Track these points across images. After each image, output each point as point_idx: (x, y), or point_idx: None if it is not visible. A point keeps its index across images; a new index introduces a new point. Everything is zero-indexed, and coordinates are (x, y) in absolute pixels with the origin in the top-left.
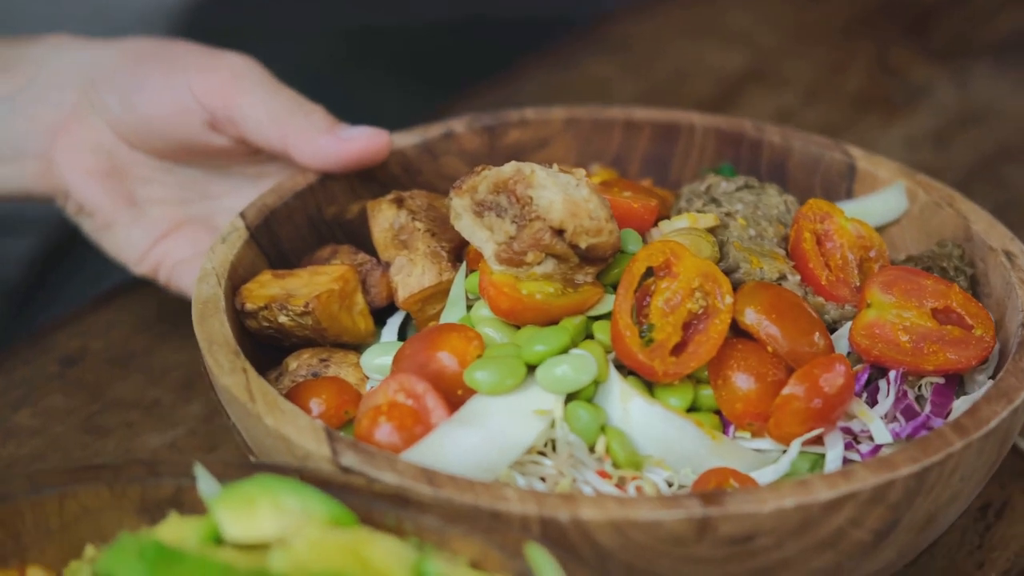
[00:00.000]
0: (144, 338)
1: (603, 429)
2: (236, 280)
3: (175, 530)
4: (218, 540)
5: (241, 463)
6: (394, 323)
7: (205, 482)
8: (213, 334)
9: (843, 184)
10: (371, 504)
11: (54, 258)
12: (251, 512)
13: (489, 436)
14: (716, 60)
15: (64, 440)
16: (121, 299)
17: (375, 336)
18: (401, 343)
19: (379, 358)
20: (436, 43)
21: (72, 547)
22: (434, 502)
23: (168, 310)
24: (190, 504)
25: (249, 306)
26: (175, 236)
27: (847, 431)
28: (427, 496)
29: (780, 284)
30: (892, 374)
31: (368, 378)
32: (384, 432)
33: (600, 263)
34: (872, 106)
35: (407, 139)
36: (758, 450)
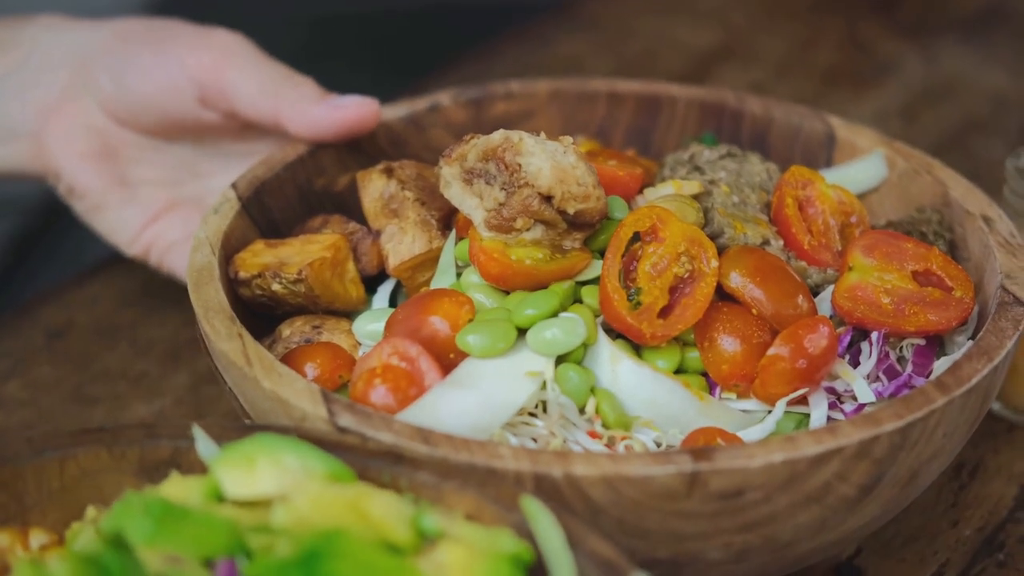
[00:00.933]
0: (129, 311)
1: (593, 391)
2: (229, 250)
3: (177, 489)
4: (219, 498)
5: (238, 425)
6: (385, 290)
7: (203, 443)
8: (209, 301)
9: (823, 153)
10: (367, 462)
11: (34, 237)
12: (251, 470)
13: (482, 397)
14: (687, 37)
15: (53, 410)
16: (105, 273)
17: (366, 303)
18: (392, 309)
19: (371, 324)
20: (405, 30)
21: (73, 509)
22: (429, 460)
23: (152, 284)
24: (188, 465)
25: (243, 274)
26: (167, 217)
27: (831, 391)
28: (423, 454)
29: (763, 249)
30: (874, 335)
31: (360, 344)
32: (379, 394)
33: (587, 229)
34: (842, 81)
35: (394, 112)
36: (744, 411)
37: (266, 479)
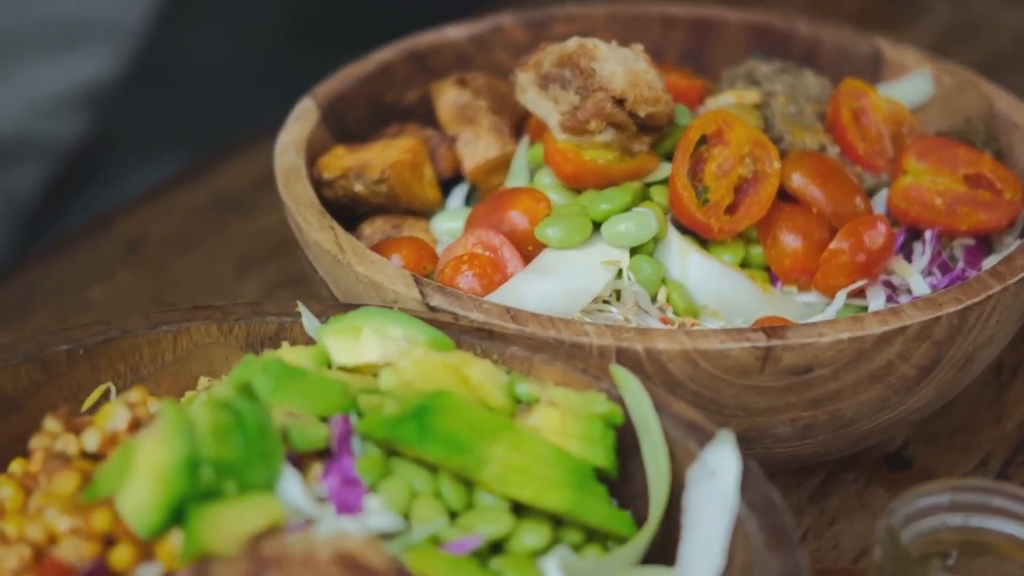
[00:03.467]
0: (198, 223)
1: (663, 281)
2: (311, 155)
3: (290, 356)
4: (327, 366)
5: (338, 303)
6: (459, 192)
7: (308, 319)
8: (300, 196)
9: (870, 73)
10: (460, 338)
11: (64, 179)
12: (356, 340)
13: (561, 284)
14: None
15: (135, 313)
16: (177, 187)
17: (442, 204)
18: (467, 209)
19: (448, 223)
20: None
21: (186, 379)
22: (518, 337)
23: (218, 199)
24: (292, 340)
25: (327, 175)
26: None
27: (888, 285)
28: (511, 331)
29: (822, 153)
30: (928, 234)
31: (438, 241)
32: (466, 279)
33: (656, 132)
34: (872, 22)
35: (458, 32)
36: (805, 303)
37: (371, 348)
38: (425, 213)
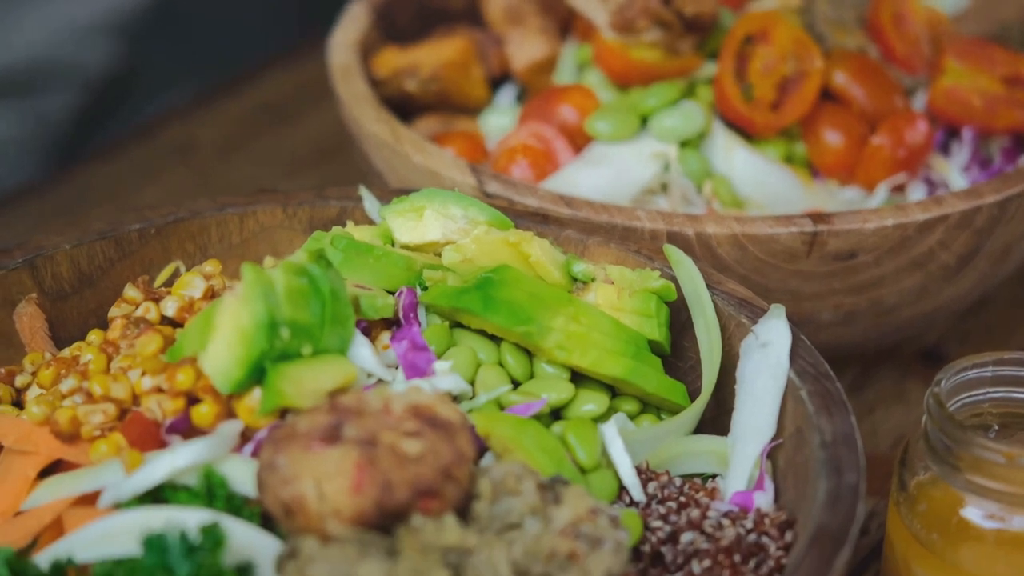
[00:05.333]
0: (246, 129)
1: (709, 175)
2: (362, 56)
3: (355, 233)
4: (391, 245)
5: (398, 188)
6: (508, 91)
7: (369, 202)
8: (356, 92)
9: None
10: (516, 221)
11: (94, 107)
12: (419, 219)
13: (611, 175)
14: None
15: None
16: (220, 97)
17: (490, 103)
18: (516, 107)
19: (497, 120)
20: None
21: (252, 260)
22: (572, 221)
23: (264, 106)
24: (353, 224)
25: (378, 75)
26: None
27: (927, 182)
28: (566, 216)
29: (863, 54)
30: (966, 132)
31: (487, 137)
32: (520, 168)
33: (701, 32)
34: None
35: None
36: (846, 199)
37: (433, 227)
38: (474, 111)
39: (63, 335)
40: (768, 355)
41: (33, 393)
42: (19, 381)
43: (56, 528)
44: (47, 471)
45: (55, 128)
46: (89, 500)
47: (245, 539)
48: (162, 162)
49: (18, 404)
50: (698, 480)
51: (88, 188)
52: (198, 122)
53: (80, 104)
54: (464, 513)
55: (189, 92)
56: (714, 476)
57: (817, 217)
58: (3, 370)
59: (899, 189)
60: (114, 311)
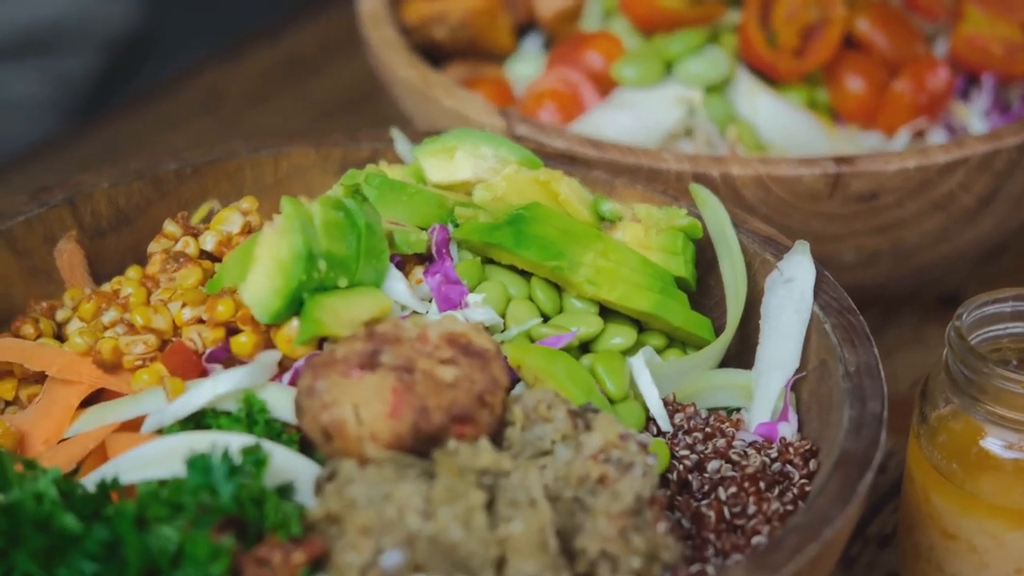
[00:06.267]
0: (274, 80)
1: (732, 120)
2: (392, 2)
3: (388, 172)
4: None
5: (428, 130)
6: (534, 39)
7: (401, 143)
8: (386, 37)
9: None
10: (544, 163)
11: (114, 68)
12: (450, 159)
13: (637, 118)
14: None
15: None
16: (247, 48)
17: (517, 51)
18: (542, 54)
19: (524, 67)
20: None
21: None
22: (600, 162)
23: (290, 58)
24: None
25: (408, 21)
26: None
27: (947, 128)
28: (593, 158)
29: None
30: (986, 79)
31: (513, 84)
32: (547, 112)
33: None
34: None
35: None
36: (868, 144)
37: (464, 166)
38: (501, 59)
39: (100, 272)
40: (792, 290)
41: (73, 327)
42: (60, 316)
43: (99, 455)
44: (88, 402)
45: (77, 87)
46: (131, 428)
47: (285, 462)
48: (189, 114)
49: (59, 339)
50: (723, 412)
51: (116, 139)
52: (224, 74)
53: (101, 63)
54: (497, 440)
55: (213, 48)
56: (738, 410)
57: (840, 159)
58: (44, 304)
59: (919, 136)
60: (153, 246)
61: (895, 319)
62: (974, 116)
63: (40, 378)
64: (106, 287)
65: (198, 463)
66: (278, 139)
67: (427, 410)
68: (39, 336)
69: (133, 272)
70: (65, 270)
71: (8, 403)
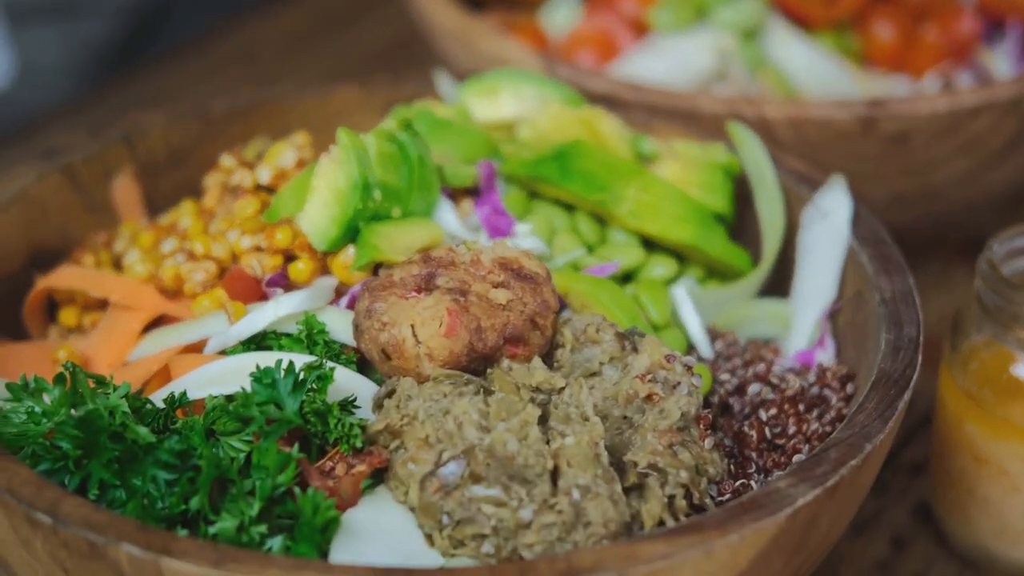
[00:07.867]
0: (306, 37)
1: (764, 66)
2: None
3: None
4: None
5: (470, 72)
6: None
7: (445, 84)
8: None
9: None
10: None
11: (133, 36)
12: (495, 98)
13: (672, 64)
14: None
15: None
16: (277, 7)
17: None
18: (576, 2)
19: (559, 15)
20: None
21: (331, 139)
22: (638, 104)
23: (325, 9)
24: None
25: None
26: None
27: (973, 74)
28: (632, 99)
29: None
30: (1012, 26)
31: (548, 32)
32: (584, 58)
33: None
34: None
35: None
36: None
37: (508, 105)
38: (535, 6)
39: (154, 208)
40: (829, 223)
41: (132, 258)
42: (117, 247)
43: (163, 377)
44: (147, 331)
45: (99, 50)
46: (194, 351)
47: (345, 380)
48: (223, 68)
49: (117, 270)
50: (760, 342)
51: (149, 91)
52: (256, 30)
53: (123, 27)
54: (547, 361)
55: (239, 10)
56: (775, 341)
57: (872, 102)
58: (104, 236)
59: (946, 81)
60: (210, 179)
61: (919, 264)
62: (1000, 61)
63: (102, 306)
64: (163, 219)
65: (264, 378)
66: (324, 81)
67: (481, 330)
68: (99, 266)
69: (189, 205)
70: (122, 205)
71: (71, 330)
